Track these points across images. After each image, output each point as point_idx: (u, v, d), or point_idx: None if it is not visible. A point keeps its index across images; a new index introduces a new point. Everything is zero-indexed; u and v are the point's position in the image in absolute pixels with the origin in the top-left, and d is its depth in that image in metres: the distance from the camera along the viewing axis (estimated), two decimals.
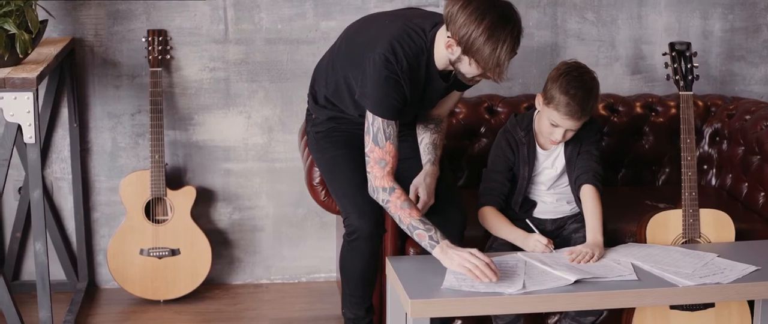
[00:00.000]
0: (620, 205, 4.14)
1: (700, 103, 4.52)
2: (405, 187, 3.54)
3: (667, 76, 3.91)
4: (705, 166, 4.52)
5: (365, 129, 3.48)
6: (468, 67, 3.35)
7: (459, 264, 3.28)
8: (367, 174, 3.49)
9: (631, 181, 4.53)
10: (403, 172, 3.62)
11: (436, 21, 3.46)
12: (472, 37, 3.26)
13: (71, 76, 4.42)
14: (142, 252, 4.47)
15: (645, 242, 3.76)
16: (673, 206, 3.89)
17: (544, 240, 3.59)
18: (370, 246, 3.60)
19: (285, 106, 4.61)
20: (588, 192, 3.70)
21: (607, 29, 4.66)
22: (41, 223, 3.74)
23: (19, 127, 3.65)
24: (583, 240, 3.65)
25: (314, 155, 3.80)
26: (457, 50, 3.32)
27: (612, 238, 3.78)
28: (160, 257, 4.48)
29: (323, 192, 3.97)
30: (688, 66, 3.88)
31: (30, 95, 3.62)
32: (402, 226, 3.44)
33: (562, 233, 3.80)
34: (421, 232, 3.39)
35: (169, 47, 4.49)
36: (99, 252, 4.67)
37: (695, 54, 3.89)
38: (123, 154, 4.60)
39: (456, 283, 3.29)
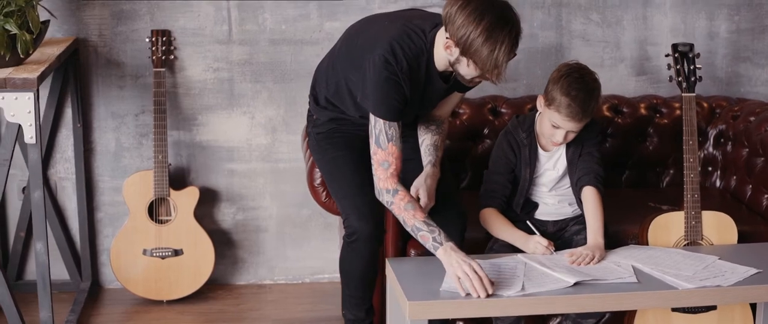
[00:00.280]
0: (623, 207, 4.12)
1: (705, 105, 4.50)
2: (406, 188, 3.53)
3: (670, 77, 3.89)
4: (709, 168, 4.51)
5: (369, 132, 3.47)
6: (466, 68, 3.34)
7: (454, 272, 3.27)
8: (374, 176, 3.48)
9: (635, 182, 4.51)
10: (405, 173, 3.61)
11: (436, 22, 3.45)
12: (470, 38, 3.25)
13: (75, 77, 4.42)
14: (145, 252, 4.47)
15: (647, 244, 3.74)
16: (676, 208, 3.87)
17: (544, 242, 3.57)
18: (369, 247, 3.59)
19: (289, 107, 4.60)
20: (589, 194, 3.69)
21: (612, 30, 4.64)
22: (42, 223, 3.75)
23: (20, 127, 3.65)
24: (584, 242, 3.64)
25: (315, 156, 3.80)
26: (456, 51, 3.31)
27: (614, 240, 3.77)
28: (163, 257, 4.48)
29: (324, 193, 3.96)
30: (691, 67, 3.86)
31: (31, 95, 3.62)
32: (406, 228, 3.44)
33: (564, 235, 3.79)
34: (425, 234, 3.38)
35: (172, 47, 4.49)
36: (102, 252, 4.67)
37: (698, 55, 3.87)
38: (126, 154, 4.60)
39: (455, 286, 3.28)
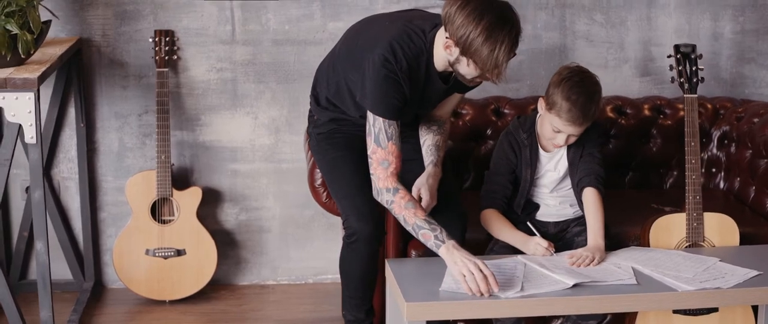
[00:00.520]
0: (626, 209, 4.11)
1: (709, 106, 4.49)
2: (407, 189, 3.52)
3: (672, 78, 3.88)
4: (713, 169, 4.49)
5: (367, 131, 3.46)
6: (466, 68, 3.34)
7: (459, 271, 3.26)
8: (371, 176, 3.47)
9: (639, 184, 4.49)
10: (405, 173, 3.60)
11: (435, 22, 3.44)
12: (470, 37, 3.24)
13: (78, 76, 4.43)
14: (147, 252, 4.48)
15: (648, 246, 3.73)
16: (678, 210, 3.86)
17: (544, 243, 3.56)
18: (369, 248, 3.59)
19: (292, 107, 4.60)
20: (590, 195, 3.67)
21: (616, 31, 4.63)
22: (42, 223, 3.75)
23: (21, 127, 3.66)
24: (585, 243, 3.63)
25: (316, 156, 3.80)
26: (456, 51, 3.31)
27: (616, 242, 3.76)
28: (165, 257, 4.48)
29: (325, 193, 3.96)
30: (693, 68, 3.84)
31: (31, 95, 3.63)
32: (407, 227, 3.42)
33: (565, 236, 3.78)
34: (427, 232, 3.37)
35: (176, 48, 4.49)
36: (106, 252, 4.68)
37: (700, 56, 3.86)
38: (130, 154, 4.61)
39: (454, 286, 3.28)
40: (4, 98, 3.62)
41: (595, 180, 3.69)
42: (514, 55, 3.29)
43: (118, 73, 4.53)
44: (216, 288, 4.67)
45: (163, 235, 4.47)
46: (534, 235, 3.64)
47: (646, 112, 4.47)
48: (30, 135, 3.66)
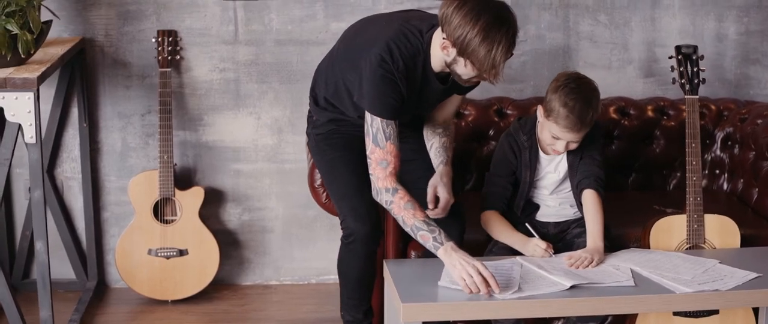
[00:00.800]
0: (628, 210, 4.09)
1: (713, 107, 4.47)
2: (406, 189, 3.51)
3: (673, 79, 3.86)
4: (717, 171, 4.47)
5: (365, 131, 3.46)
6: (464, 69, 3.33)
7: (459, 274, 3.25)
8: (370, 176, 3.47)
9: (642, 185, 4.48)
10: (405, 174, 3.60)
11: (433, 23, 3.43)
12: (467, 38, 3.23)
13: (81, 76, 4.44)
14: (150, 252, 4.48)
15: (649, 247, 3.71)
16: (680, 211, 3.84)
17: (542, 244, 3.55)
18: (366, 248, 3.58)
19: (294, 108, 4.60)
20: (589, 197, 3.66)
21: (620, 32, 4.61)
22: (42, 223, 3.76)
23: (20, 127, 3.67)
24: (586, 244, 3.61)
25: (314, 157, 3.79)
26: (453, 52, 3.30)
27: (617, 243, 3.74)
28: (167, 257, 4.49)
29: (324, 194, 3.96)
30: (695, 69, 3.83)
31: (31, 95, 3.64)
32: (405, 228, 3.41)
33: (565, 237, 3.77)
34: (425, 233, 3.36)
35: (179, 48, 4.50)
36: (108, 251, 4.69)
37: (702, 57, 3.84)
38: (133, 154, 4.62)
39: (452, 283, 3.27)
40: (3, 98, 3.63)
41: (594, 182, 3.67)
42: (512, 55, 3.29)
43: (121, 73, 4.54)
44: (218, 288, 4.68)
45: (165, 235, 4.48)
46: (532, 236, 3.63)
47: (650, 114, 4.45)
48: (30, 135, 3.67)
